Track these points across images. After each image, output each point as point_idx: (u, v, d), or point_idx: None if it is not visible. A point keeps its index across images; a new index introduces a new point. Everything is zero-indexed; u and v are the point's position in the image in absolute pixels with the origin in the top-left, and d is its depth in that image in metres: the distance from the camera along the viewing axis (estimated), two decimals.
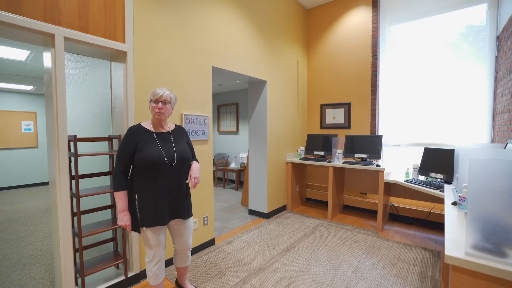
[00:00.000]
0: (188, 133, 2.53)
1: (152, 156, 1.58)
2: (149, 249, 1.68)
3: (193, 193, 2.64)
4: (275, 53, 3.76)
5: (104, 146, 2.34)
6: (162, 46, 2.32)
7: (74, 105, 2.21)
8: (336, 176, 3.71)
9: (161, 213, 1.63)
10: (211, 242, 2.85)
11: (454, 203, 1.63)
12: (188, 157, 1.77)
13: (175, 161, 1.67)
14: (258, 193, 3.80)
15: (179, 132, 1.84)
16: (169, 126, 1.80)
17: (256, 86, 3.74)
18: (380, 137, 3.53)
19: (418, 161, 3.44)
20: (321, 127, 4.42)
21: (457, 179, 1.98)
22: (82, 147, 2.25)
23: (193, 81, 2.58)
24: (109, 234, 2.31)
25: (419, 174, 3.02)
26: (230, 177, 6.63)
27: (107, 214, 2.33)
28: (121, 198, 1.56)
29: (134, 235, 2.15)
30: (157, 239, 1.67)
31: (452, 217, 1.45)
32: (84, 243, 2.15)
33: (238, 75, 3.24)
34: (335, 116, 4.25)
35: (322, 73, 4.37)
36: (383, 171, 3.17)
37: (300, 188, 4.38)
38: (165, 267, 2.39)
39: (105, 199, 2.32)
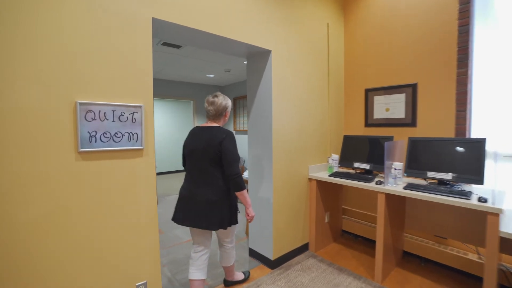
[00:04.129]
0: (97, 137, 1.37)
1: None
2: (234, 235, 1.90)
3: (119, 243, 1.47)
4: (288, 9, 2.38)
5: None
6: None
7: None
8: (391, 206, 2.18)
9: None
10: None
11: None
12: None
13: None
14: (259, 227, 2.48)
15: None
16: None
17: (255, 60, 2.42)
18: (482, 142, 1.89)
19: None
20: (367, 125, 2.88)
21: None
22: None
23: (107, 44, 1.40)
24: None
25: None
26: None
27: None
28: (247, 194, 1.71)
29: None
30: None
31: None
32: None
33: (213, 39, 1.97)
34: (390, 106, 2.67)
35: (368, 41, 2.82)
36: (497, 215, 1.55)
37: (333, 216, 2.91)
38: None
39: None
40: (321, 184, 2.69)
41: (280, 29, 2.31)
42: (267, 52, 2.26)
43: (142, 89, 1.52)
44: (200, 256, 1.78)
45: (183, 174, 7.10)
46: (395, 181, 2.12)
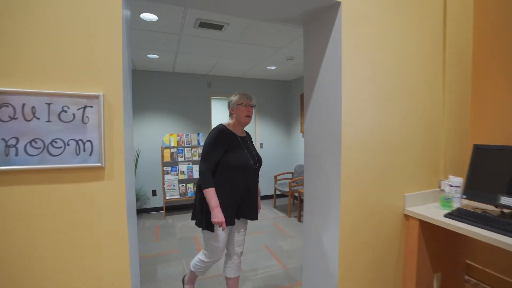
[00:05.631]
0: (18, 147, 0.83)
1: (243, 160, 1.65)
2: (215, 247, 1.66)
3: None
4: None
5: None
6: None
7: None
8: None
9: (234, 213, 1.66)
10: None
11: None
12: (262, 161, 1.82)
13: (257, 164, 1.74)
14: (318, 279, 1.61)
15: (250, 138, 1.86)
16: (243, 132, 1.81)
17: (315, 25, 1.56)
18: None
19: None
20: None
21: None
22: None
23: None
24: None
25: None
26: None
27: None
28: (213, 195, 1.55)
29: None
30: (225, 239, 1.67)
31: None
32: None
33: None
34: None
35: None
36: None
37: (448, 278, 1.75)
38: None
39: None
40: (427, 226, 1.60)
41: None
42: (334, 7, 1.38)
43: (101, 68, 0.91)
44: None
45: None
46: None
